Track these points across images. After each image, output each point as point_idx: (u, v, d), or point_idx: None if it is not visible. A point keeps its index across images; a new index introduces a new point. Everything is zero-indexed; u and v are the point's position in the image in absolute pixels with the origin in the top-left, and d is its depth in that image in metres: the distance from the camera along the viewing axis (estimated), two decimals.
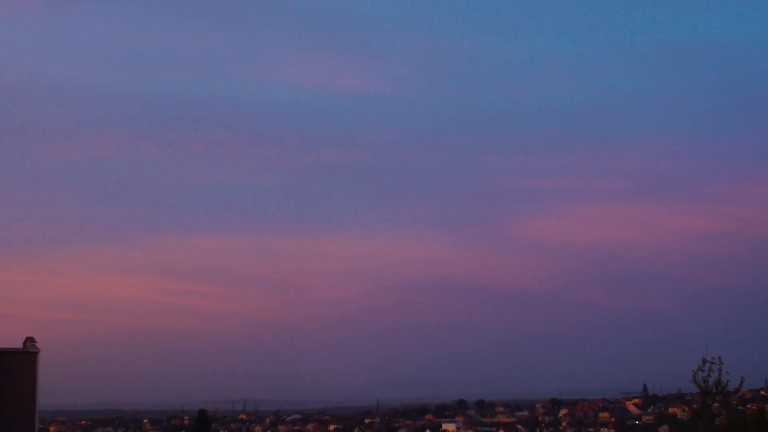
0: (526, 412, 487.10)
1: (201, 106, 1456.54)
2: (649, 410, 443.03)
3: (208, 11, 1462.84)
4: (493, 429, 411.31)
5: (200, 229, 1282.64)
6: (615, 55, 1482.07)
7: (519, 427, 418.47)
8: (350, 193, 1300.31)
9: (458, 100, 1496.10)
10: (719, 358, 65.76)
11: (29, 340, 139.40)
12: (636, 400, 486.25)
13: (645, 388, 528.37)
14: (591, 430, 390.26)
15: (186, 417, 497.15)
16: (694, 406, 69.33)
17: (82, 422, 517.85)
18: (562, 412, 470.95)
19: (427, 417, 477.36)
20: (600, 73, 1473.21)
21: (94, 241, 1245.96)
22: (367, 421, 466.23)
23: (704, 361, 65.73)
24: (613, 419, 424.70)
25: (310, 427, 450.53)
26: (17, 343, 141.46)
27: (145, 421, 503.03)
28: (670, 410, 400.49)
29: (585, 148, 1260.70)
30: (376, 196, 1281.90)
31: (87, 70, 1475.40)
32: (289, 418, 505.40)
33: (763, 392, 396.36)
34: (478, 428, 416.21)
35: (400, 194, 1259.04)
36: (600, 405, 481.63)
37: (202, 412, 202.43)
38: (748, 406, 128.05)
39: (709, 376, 65.72)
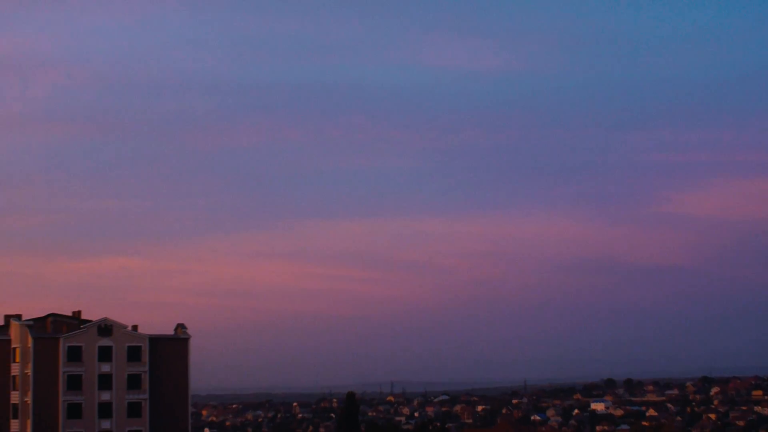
0: (676, 391, 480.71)
1: (341, 92, 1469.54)
2: None
3: None
4: (643, 408, 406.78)
5: (344, 214, 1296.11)
6: (760, 26, 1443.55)
7: (669, 405, 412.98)
8: (492, 174, 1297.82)
9: (597, 77, 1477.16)
10: None
11: (180, 327, 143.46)
12: None
13: None
14: (744, 408, 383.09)
15: (335, 400, 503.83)
16: None
17: (234, 406, 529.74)
18: (714, 390, 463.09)
19: (575, 396, 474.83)
20: (744, 45, 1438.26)
21: (241, 229, 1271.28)
22: (514, 401, 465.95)
23: None
24: (767, 397, 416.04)
25: (458, 408, 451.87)
26: (169, 330, 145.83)
27: (295, 404, 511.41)
28: None
29: (731, 120, 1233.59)
30: (518, 176, 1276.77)
31: (227, 62, 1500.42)
32: (436, 400, 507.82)
33: None
34: (627, 407, 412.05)
35: (542, 174, 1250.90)
36: (753, 383, 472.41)
37: (351, 395, 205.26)
38: None
39: None
